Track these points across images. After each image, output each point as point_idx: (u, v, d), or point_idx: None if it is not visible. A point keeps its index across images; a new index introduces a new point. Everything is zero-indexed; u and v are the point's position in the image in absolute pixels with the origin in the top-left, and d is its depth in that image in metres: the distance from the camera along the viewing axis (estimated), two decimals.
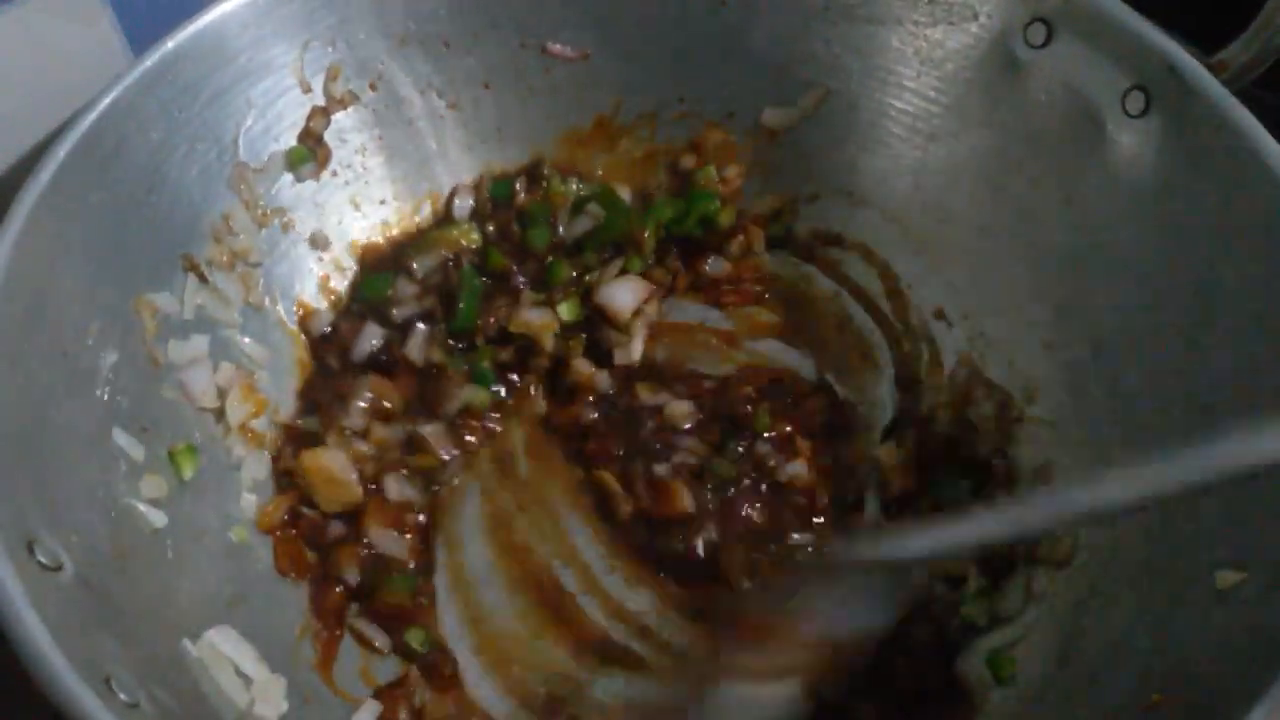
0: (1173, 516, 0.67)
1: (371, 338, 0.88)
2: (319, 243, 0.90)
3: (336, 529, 0.82)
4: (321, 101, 0.86)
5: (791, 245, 0.98)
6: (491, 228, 0.94)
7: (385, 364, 0.88)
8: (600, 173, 0.97)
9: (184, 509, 0.73)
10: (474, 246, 0.93)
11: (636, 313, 0.92)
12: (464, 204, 0.95)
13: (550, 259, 0.93)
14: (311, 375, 0.88)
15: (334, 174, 0.90)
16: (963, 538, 0.60)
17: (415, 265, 0.91)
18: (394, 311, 0.89)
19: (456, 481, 0.88)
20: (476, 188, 0.95)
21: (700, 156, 0.96)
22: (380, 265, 0.92)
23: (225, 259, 0.82)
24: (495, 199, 0.95)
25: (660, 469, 0.85)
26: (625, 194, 0.97)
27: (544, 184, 0.95)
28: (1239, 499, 0.63)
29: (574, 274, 0.93)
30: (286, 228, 0.87)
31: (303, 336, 0.88)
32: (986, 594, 0.78)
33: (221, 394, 0.80)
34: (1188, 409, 0.70)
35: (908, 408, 0.90)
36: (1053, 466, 0.80)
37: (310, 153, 0.87)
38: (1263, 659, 0.53)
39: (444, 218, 0.95)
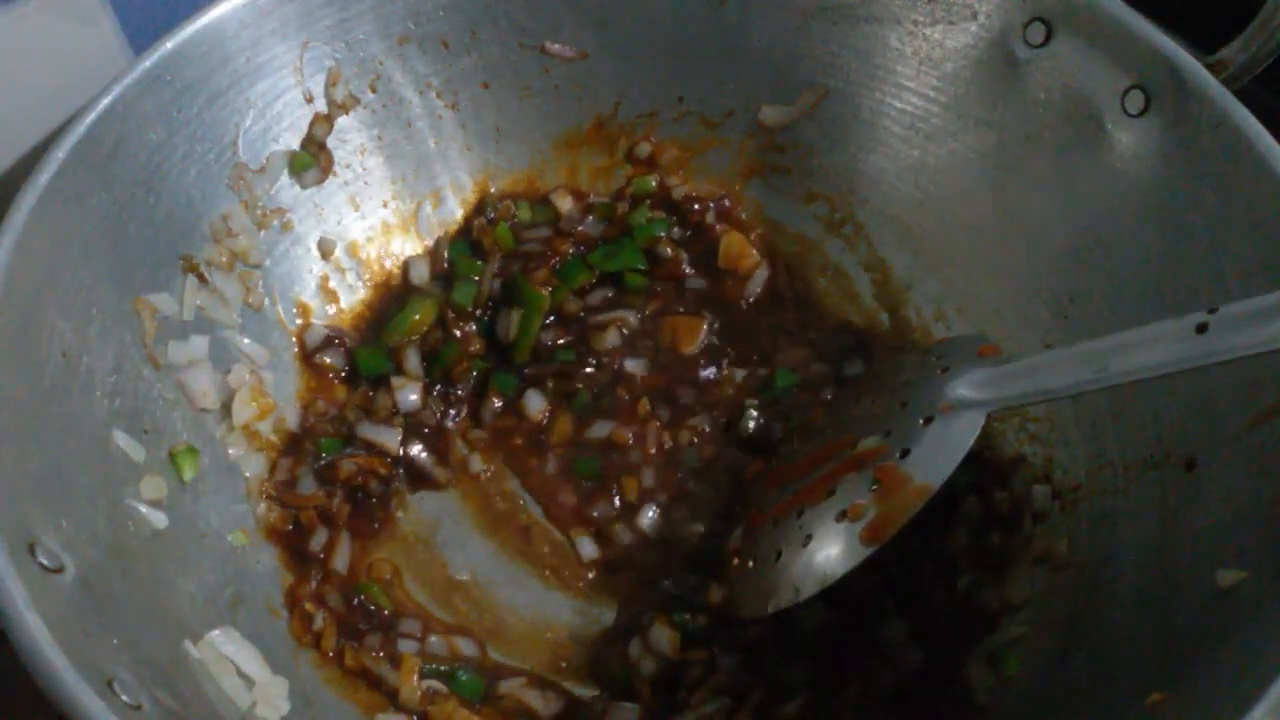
0: (1174, 516, 0.68)
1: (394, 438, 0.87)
2: (322, 247, 0.90)
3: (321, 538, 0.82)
4: (324, 108, 0.86)
5: (791, 241, 0.98)
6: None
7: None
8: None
9: (185, 510, 0.73)
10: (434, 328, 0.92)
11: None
12: (419, 270, 0.94)
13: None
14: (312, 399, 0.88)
15: (333, 174, 0.90)
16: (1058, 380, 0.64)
17: (409, 360, 0.90)
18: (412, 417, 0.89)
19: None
20: (431, 254, 0.95)
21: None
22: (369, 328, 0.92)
23: (224, 260, 0.82)
24: (451, 261, 0.94)
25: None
26: (567, 204, 0.97)
27: (494, 225, 0.94)
28: (1241, 498, 0.64)
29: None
30: (286, 228, 0.87)
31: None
32: (996, 582, 0.78)
33: (230, 393, 0.80)
34: (1188, 408, 0.70)
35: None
36: (1052, 462, 0.80)
37: (313, 159, 0.87)
38: (1264, 659, 0.53)
39: (404, 286, 0.94)
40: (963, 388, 0.69)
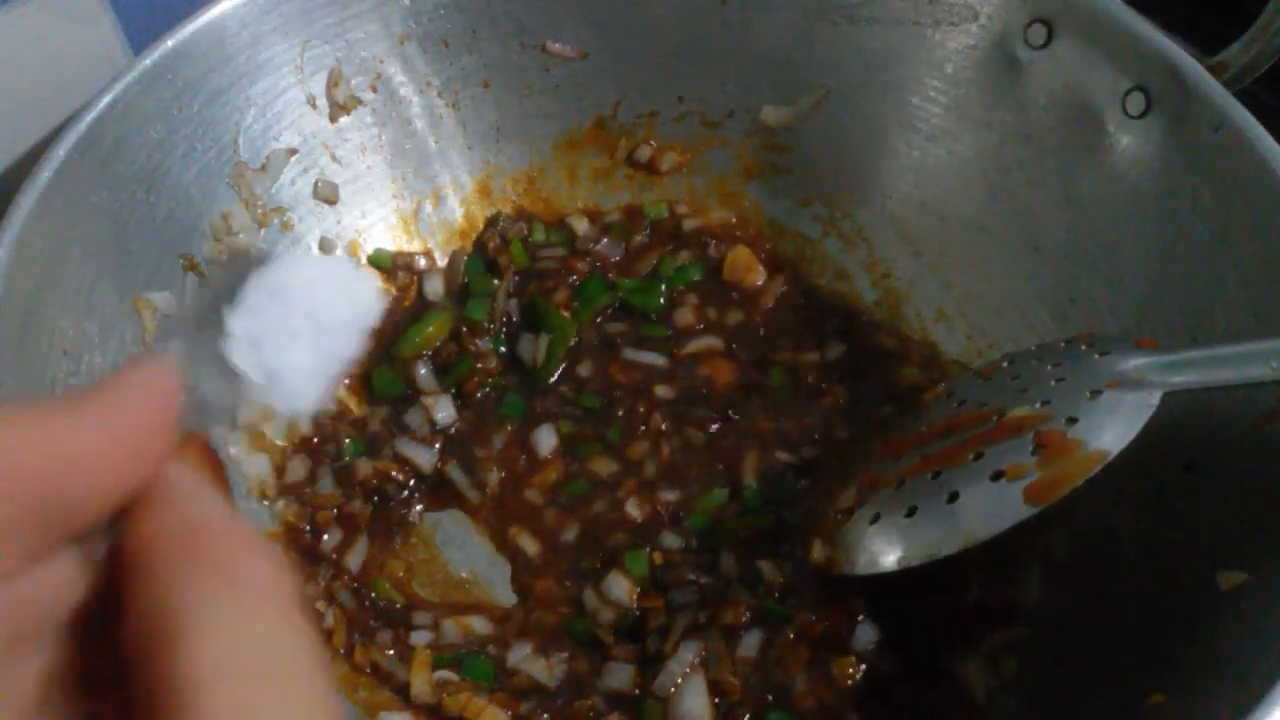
0: (1174, 516, 0.68)
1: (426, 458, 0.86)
2: (323, 246, 0.90)
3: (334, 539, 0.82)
4: (326, 110, 0.87)
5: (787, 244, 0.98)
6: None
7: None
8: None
9: None
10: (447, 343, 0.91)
11: None
12: (434, 285, 0.93)
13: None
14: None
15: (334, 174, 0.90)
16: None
17: (421, 374, 0.89)
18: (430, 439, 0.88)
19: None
20: (447, 270, 0.94)
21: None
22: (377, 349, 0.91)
23: (225, 258, 0.82)
24: (467, 277, 0.93)
25: None
26: (583, 225, 0.97)
27: (507, 244, 0.94)
28: (1241, 499, 0.64)
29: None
30: (286, 227, 0.87)
31: None
32: (1005, 583, 0.77)
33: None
34: (1187, 410, 0.70)
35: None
36: None
37: None
38: (1265, 660, 0.53)
39: (419, 301, 0.93)
40: (1132, 368, 0.67)
